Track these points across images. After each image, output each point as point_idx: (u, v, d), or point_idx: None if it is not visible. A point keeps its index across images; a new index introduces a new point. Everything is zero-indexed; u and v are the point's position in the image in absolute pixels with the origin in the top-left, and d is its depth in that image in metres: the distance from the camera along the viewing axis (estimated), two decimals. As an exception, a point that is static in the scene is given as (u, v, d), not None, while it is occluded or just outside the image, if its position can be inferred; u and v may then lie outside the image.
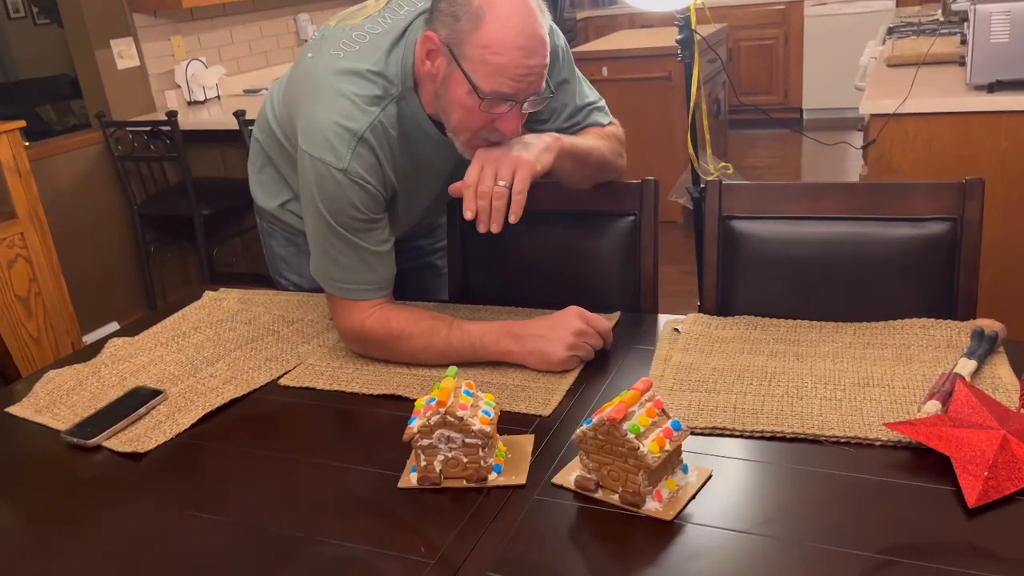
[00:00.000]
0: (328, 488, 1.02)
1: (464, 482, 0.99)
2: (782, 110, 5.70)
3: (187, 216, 3.41)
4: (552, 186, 1.35)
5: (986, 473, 0.88)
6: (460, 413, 0.96)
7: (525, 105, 1.17)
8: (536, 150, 1.20)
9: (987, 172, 2.20)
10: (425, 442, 0.98)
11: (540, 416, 1.11)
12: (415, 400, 1.15)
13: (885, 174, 2.26)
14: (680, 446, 0.94)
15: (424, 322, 1.27)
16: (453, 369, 1.02)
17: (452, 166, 1.34)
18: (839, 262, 1.29)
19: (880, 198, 1.26)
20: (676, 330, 1.29)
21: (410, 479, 1.00)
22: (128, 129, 3.42)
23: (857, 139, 4.50)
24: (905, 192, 1.25)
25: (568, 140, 1.28)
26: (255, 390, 1.26)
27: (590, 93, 1.41)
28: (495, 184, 1.16)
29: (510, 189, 1.16)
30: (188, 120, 3.46)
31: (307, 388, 1.25)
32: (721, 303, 1.36)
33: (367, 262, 1.27)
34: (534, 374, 1.21)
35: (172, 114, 3.23)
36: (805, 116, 5.71)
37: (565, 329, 1.20)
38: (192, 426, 1.17)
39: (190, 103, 3.74)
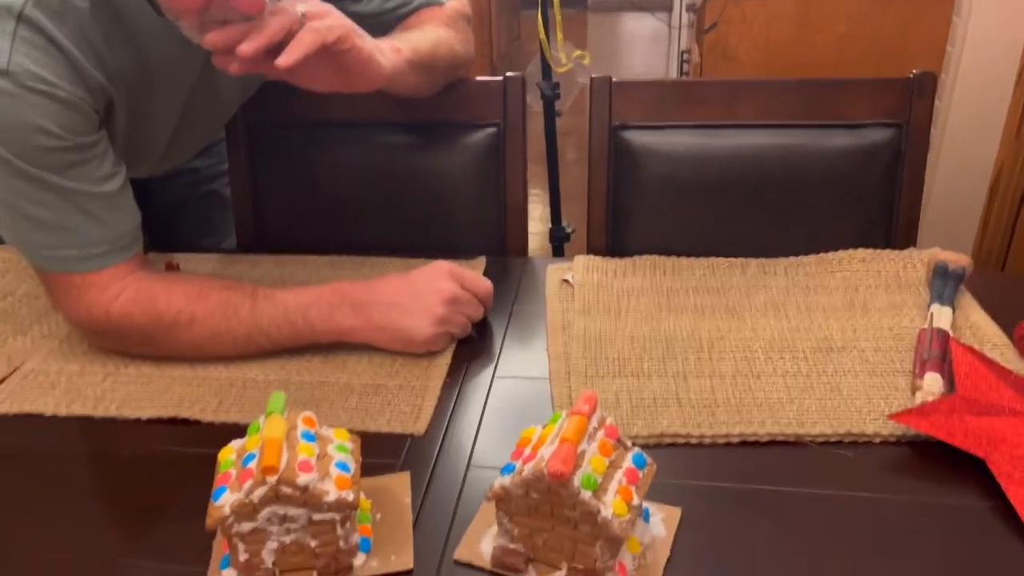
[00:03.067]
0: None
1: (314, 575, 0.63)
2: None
3: None
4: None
5: (1040, 482, 0.66)
6: (303, 479, 0.59)
7: None
8: (371, 43, 0.83)
9: (824, 60, 2.06)
10: (245, 527, 0.60)
11: (410, 436, 0.76)
12: (208, 421, 0.77)
13: (721, 62, 2.05)
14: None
15: (211, 295, 0.85)
16: (278, 399, 0.63)
17: (200, 68, 0.91)
18: (758, 182, 1.02)
19: (812, 98, 0.99)
20: (566, 281, 0.98)
21: (223, 582, 0.62)
22: None
23: (651, 23, 4.27)
24: (841, 90, 0.99)
25: (409, 49, 0.91)
26: (-63, 428, 0.79)
27: None
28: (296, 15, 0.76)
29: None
30: None
31: (29, 415, 0.80)
32: (612, 240, 1.06)
33: (89, 212, 0.81)
34: (388, 366, 0.84)
35: None
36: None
37: (433, 295, 0.84)
38: None
39: None
